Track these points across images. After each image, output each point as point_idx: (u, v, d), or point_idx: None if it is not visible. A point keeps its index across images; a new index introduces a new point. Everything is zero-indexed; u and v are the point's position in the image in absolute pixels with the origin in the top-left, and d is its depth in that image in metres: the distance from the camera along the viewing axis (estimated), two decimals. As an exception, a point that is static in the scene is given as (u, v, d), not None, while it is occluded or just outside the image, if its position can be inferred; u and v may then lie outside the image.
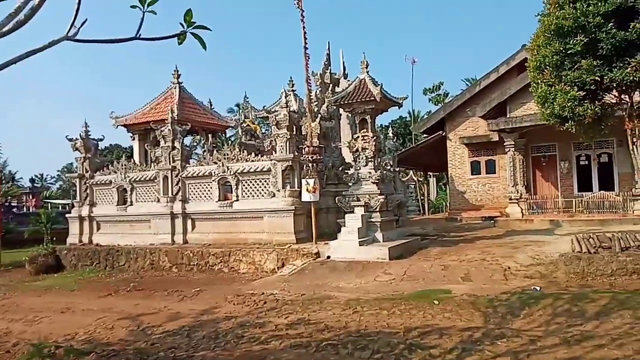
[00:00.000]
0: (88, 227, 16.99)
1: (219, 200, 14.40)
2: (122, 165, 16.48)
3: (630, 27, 7.59)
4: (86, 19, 2.99)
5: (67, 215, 18.19)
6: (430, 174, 33.22)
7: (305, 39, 12.88)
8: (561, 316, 6.32)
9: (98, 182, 17.04)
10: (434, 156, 24.05)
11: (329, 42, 18.09)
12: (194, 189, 15.05)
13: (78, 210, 17.26)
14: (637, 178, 9.83)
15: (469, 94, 21.38)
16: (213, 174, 14.46)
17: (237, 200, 14.13)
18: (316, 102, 15.69)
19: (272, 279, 10.90)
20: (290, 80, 17.34)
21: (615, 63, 8.04)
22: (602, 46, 7.93)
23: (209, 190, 14.72)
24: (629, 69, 7.78)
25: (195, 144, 17.71)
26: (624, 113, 8.95)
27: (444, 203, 29.48)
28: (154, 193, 15.66)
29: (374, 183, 12.49)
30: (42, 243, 17.21)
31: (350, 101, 12.82)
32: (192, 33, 2.95)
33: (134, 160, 17.75)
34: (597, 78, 8.19)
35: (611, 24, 7.72)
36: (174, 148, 15.12)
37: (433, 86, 42.28)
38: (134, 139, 18.92)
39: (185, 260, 13.42)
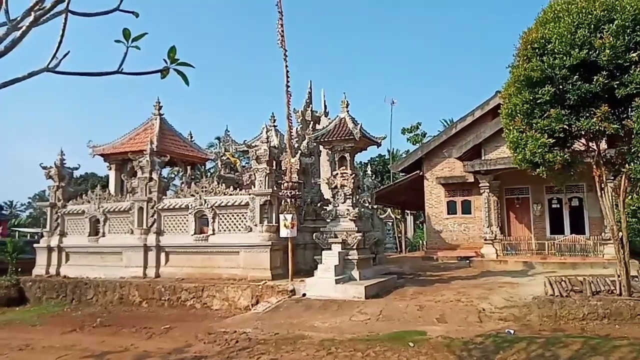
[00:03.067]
0: (56, 258, 16.42)
1: (195, 233, 14.17)
2: (96, 195, 16.16)
3: (594, 80, 8.01)
4: (68, 51, 3.02)
5: (35, 245, 17.55)
6: (408, 212, 33.52)
7: (288, 77, 13.17)
8: (534, 360, 6.33)
9: (70, 212, 16.61)
10: (411, 195, 24.37)
11: (310, 81, 18.48)
12: (170, 221, 14.81)
13: (47, 240, 16.70)
14: (606, 223, 10.13)
15: (446, 135, 21.98)
16: (190, 207, 14.29)
17: (214, 234, 13.94)
18: (297, 139, 15.87)
19: (246, 316, 10.64)
20: (272, 116, 17.56)
21: (582, 113, 8.41)
22: (569, 97, 8.32)
23: (184, 223, 14.49)
24: (595, 119, 8.15)
25: (173, 175, 17.54)
26: (592, 160, 9.29)
27: (420, 241, 29.64)
28: (127, 224, 15.32)
29: (351, 220, 12.54)
30: (5, 274, 16.46)
31: (330, 139, 13.03)
32: (175, 69, 3.01)
33: (109, 190, 17.45)
34: (565, 126, 8.54)
35: (576, 76, 8.13)
36: (151, 179, 14.95)
37: (411, 126, 43.27)
38: (110, 169, 18.64)
39: (157, 295, 13.01)
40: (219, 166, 18.95)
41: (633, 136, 8.27)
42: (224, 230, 13.92)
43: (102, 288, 13.98)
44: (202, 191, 14.34)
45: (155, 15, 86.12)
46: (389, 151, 44.05)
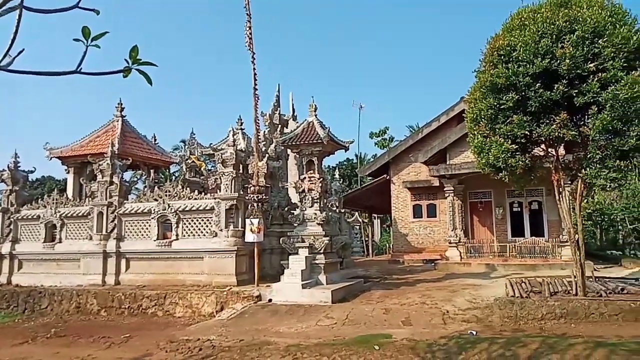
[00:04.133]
0: (8, 266, 15.58)
1: (158, 239, 13.76)
2: (53, 200, 15.46)
3: (555, 88, 8.29)
4: (23, 49, 2.83)
5: (-16, 252, 16.56)
6: (375, 215, 33.82)
7: (255, 79, 13.01)
8: (496, 361, 6.43)
9: (24, 217, 15.80)
10: (378, 199, 24.58)
11: (279, 84, 18.40)
12: (131, 226, 14.32)
13: (-2, 246, 15.83)
14: (564, 226, 10.52)
15: (412, 140, 22.33)
16: (153, 212, 13.87)
17: (177, 239, 13.58)
18: (264, 142, 15.71)
19: (210, 323, 10.38)
20: (239, 119, 17.32)
21: (543, 120, 8.70)
22: (531, 104, 8.58)
23: (147, 229, 14.05)
24: (554, 125, 8.43)
25: (135, 179, 17.01)
26: (551, 165, 9.61)
27: (387, 244, 29.92)
28: (86, 230, 14.72)
29: (319, 224, 12.48)
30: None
31: (298, 142, 12.95)
32: (137, 69, 2.87)
33: (66, 195, 16.70)
34: (527, 132, 8.80)
35: (538, 84, 8.40)
36: (112, 183, 14.43)
37: (379, 130, 43.83)
38: (68, 172, 17.89)
39: (116, 303, 12.52)
40: (184, 170, 18.53)
41: (589, 143, 8.61)
42: (188, 236, 13.58)
43: (58, 297, 13.33)
44: (166, 195, 13.95)
45: (119, 15, 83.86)
46: (356, 155, 44.42)
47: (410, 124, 42.50)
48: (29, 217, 15.71)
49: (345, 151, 14.59)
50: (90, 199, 15.02)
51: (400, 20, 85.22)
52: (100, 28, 2.66)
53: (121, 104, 17.59)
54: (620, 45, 7.96)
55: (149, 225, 13.99)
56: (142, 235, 14.13)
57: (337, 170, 26.58)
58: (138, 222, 14.25)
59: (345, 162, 44.63)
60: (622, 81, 7.80)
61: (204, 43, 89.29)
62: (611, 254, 23.50)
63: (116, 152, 14.92)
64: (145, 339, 9.23)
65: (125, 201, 14.59)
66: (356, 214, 29.41)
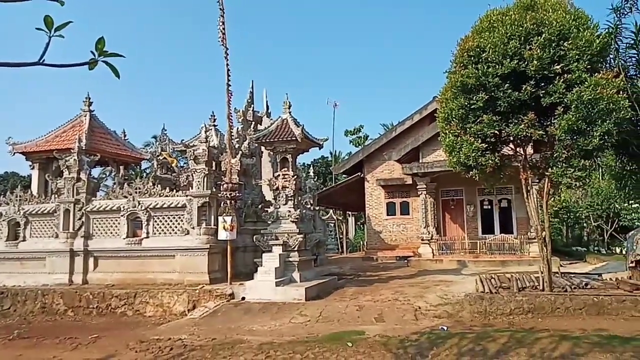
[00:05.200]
0: (-33, 266, 14.92)
1: (127, 237, 13.45)
2: (16, 197, 14.89)
3: (523, 89, 8.50)
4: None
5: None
6: (350, 213, 34.02)
7: (229, 75, 12.86)
8: (465, 355, 6.56)
9: (-15, 214, 15.17)
10: (352, 196, 24.73)
11: (252, 81, 18.22)
12: (100, 224, 13.95)
13: (-43, 246, 15.14)
14: (531, 223, 10.84)
15: (386, 138, 22.53)
16: (122, 209, 13.54)
17: (148, 237, 13.30)
18: (237, 139, 15.55)
19: (181, 322, 10.22)
20: (212, 115, 17.08)
21: (511, 119, 8.91)
22: (500, 104, 8.77)
23: (116, 226, 13.71)
24: (522, 125, 8.65)
25: (104, 176, 16.56)
26: (520, 164, 9.85)
27: (361, 242, 30.17)
28: (52, 228, 14.26)
29: (293, 222, 12.45)
30: None
31: (272, 140, 12.87)
32: (104, 61, 2.77)
33: (31, 191, 16.13)
34: (496, 132, 9.00)
35: (507, 84, 8.60)
36: (79, 179, 14.02)
37: (354, 128, 44.12)
38: (33, 168, 17.28)
39: (84, 302, 12.19)
40: (156, 166, 18.16)
41: (555, 142, 8.86)
42: (159, 233, 13.32)
43: (22, 297, 12.87)
44: (136, 192, 13.64)
45: (91, 8, 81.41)
46: (331, 153, 44.53)
47: (384, 123, 42.93)
48: (-9, 214, 15.09)
49: (320, 149, 14.59)
50: (56, 196, 14.55)
51: (374, 20, 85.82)
52: (74, 24, 2.56)
53: (89, 99, 17.09)
54: (584, 48, 8.22)
55: (119, 223, 13.66)
56: (111, 233, 13.79)
57: (311, 167, 26.62)
58: (107, 220, 13.89)
59: (320, 160, 44.65)
60: (586, 83, 8.06)
61: (177, 38, 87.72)
62: (576, 250, 24.36)
63: (84, 148, 14.50)
64: (114, 339, 9.01)
65: (93, 198, 14.20)
66: (331, 211, 29.54)
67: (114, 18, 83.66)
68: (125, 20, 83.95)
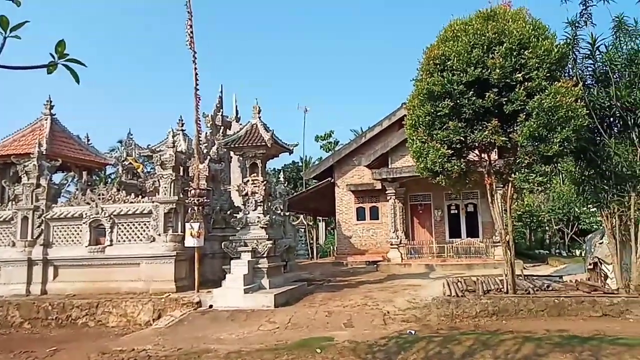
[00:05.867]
0: None
1: (90, 244, 13.00)
2: (-31, 203, 14.16)
3: (486, 96, 8.73)
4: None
5: None
6: (320, 218, 34.02)
7: (197, 79, 12.67)
8: (432, 359, 6.64)
9: None
10: (323, 201, 24.75)
11: (221, 85, 18.02)
12: (61, 232, 13.43)
13: None
14: (496, 227, 11.13)
15: (356, 144, 22.70)
16: (84, 216, 13.09)
17: (111, 245, 12.90)
18: (206, 144, 15.32)
19: (146, 332, 9.92)
20: (180, 120, 16.76)
21: (476, 126, 9.14)
22: (465, 111, 8.99)
23: (78, 234, 13.23)
24: (486, 131, 8.88)
25: (66, 181, 15.96)
26: (484, 170, 10.10)
27: (332, 247, 30.20)
28: (8, 236, 13.63)
29: (262, 228, 12.33)
30: None
31: (241, 145, 12.73)
32: (64, 65, 2.66)
33: (-14, 198, 15.39)
34: (462, 138, 9.20)
35: (472, 92, 8.82)
36: (38, 185, 13.47)
37: (324, 134, 44.26)
38: (-12, 174, 16.48)
39: (42, 314, 11.67)
40: (121, 172, 17.67)
41: (518, 149, 9.14)
42: (124, 241, 12.94)
43: (-26, 309, 12.20)
44: (99, 199, 13.22)
45: (52, 11, 78.70)
46: (302, 158, 44.50)
47: (354, 128, 43.22)
48: (-59, 223, 14.28)
49: (290, 154, 14.53)
50: (13, 202, 13.93)
51: (344, 26, 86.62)
52: (36, 27, 2.45)
53: (50, 102, 16.46)
54: (543, 57, 8.53)
55: (80, 231, 13.19)
56: (73, 241, 13.30)
57: (282, 173, 26.47)
58: (68, 228, 13.39)
59: (290, 165, 44.56)
60: (547, 91, 8.36)
61: (144, 41, 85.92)
62: (539, 253, 25.17)
63: (44, 153, 13.96)
64: (74, 351, 8.66)
65: (54, 205, 13.67)
66: (301, 216, 29.43)
67: (77, 21, 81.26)
68: (91, 22, 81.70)
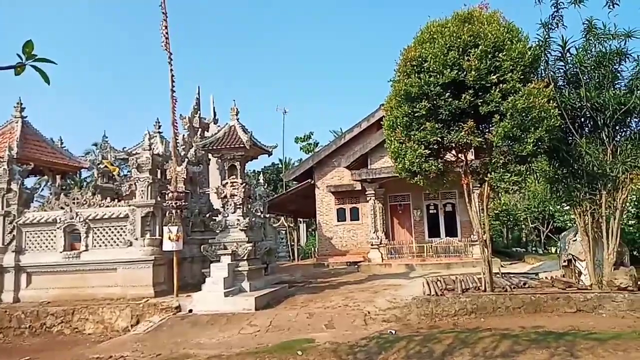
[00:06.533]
0: None
1: (65, 250, 12.69)
2: (-64, 210, 13.63)
3: (462, 97, 8.87)
4: None
5: None
6: (301, 220, 33.99)
7: (173, 81, 12.51)
8: (413, 358, 6.70)
9: None
10: (303, 203, 24.74)
11: (199, 87, 17.87)
12: (34, 237, 13.07)
13: None
14: (474, 226, 11.31)
15: (335, 145, 22.75)
16: (59, 221, 12.77)
17: (87, 250, 12.63)
18: (183, 146, 15.15)
19: (124, 338, 9.73)
20: (157, 122, 16.52)
21: (453, 127, 9.27)
22: (441, 112, 9.11)
23: (52, 240, 12.91)
24: (463, 132, 9.02)
25: (39, 186, 15.54)
26: (461, 170, 10.25)
27: (313, 248, 30.21)
28: (-22, 243, 13.17)
29: (242, 230, 12.24)
30: None
31: (219, 147, 12.61)
32: (32, 66, 2.58)
33: (-46, 204, 14.83)
34: (439, 139, 9.32)
35: (448, 93, 8.95)
36: (9, 190, 13.09)
37: (304, 135, 44.29)
38: (-44, 179, 15.90)
39: (15, 322, 11.34)
40: (96, 175, 17.28)
41: (493, 149, 9.30)
42: (100, 246, 12.67)
43: (-58, 320, 11.77)
44: (74, 203, 12.92)
45: (22, 12, 76.67)
46: (281, 160, 44.42)
47: (334, 129, 43.37)
48: None
49: (269, 156, 14.46)
50: (-17, 208, 13.49)
51: (323, 27, 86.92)
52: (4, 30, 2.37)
53: (21, 104, 16.00)
54: (517, 59, 8.71)
55: (55, 236, 12.86)
56: (47, 246, 12.96)
57: (261, 175, 26.34)
58: (41, 233, 13.05)
59: (270, 167, 44.40)
60: (520, 92, 8.53)
61: (119, 41, 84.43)
62: (516, 251, 25.68)
63: (15, 157, 13.57)
64: (49, 360, 8.45)
65: (26, 210, 13.30)
66: (282, 218, 29.36)
67: (50, 22, 79.35)
68: (64, 23, 79.89)
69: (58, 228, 12.78)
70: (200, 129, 16.71)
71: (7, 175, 13.14)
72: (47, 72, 2.61)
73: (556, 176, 10.38)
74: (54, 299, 12.18)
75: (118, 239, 12.62)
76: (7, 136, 15.21)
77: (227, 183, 12.71)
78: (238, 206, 12.50)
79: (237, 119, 12.86)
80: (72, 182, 27.58)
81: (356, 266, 18.62)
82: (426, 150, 9.36)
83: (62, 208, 12.97)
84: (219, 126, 15.91)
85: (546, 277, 11.36)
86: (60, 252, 12.67)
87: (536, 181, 25.10)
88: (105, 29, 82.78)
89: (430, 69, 9.03)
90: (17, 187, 13.19)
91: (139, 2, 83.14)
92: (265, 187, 20.24)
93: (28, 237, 13.11)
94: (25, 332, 11.19)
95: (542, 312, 9.08)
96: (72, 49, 76.29)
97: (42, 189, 19.61)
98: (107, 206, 12.88)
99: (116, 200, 13.65)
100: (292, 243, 31.64)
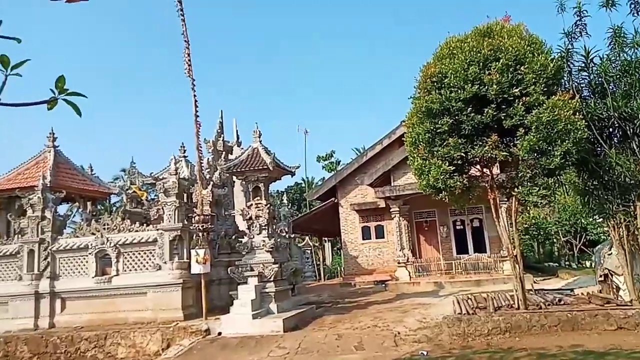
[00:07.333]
0: None
1: (96, 275, 12.97)
2: (-24, 239, 14.21)
3: (485, 112, 8.80)
4: None
5: None
6: (326, 239, 33.86)
7: (196, 106, 12.80)
8: (446, 381, 6.52)
9: (-58, 259, 14.37)
10: (328, 222, 24.68)
11: (222, 111, 18.22)
12: (67, 263, 13.43)
13: None
14: (503, 241, 11.04)
15: (357, 163, 22.75)
16: (90, 247, 13.10)
17: (118, 274, 12.87)
18: (208, 169, 15.41)
19: (155, 363, 9.83)
20: (182, 146, 16.91)
21: (476, 141, 9.18)
22: (464, 127, 9.05)
23: (84, 265, 13.22)
24: (487, 147, 8.92)
25: (70, 213, 16.03)
26: (487, 185, 10.09)
27: (339, 268, 29.96)
28: (15, 270, 13.64)
29: (268, 251, 12.29)
30: None
31: (243, 169, 12.81)
32: (64, 100, 2.72)
33: (-8, 233, 15.44)
34: (462, 154, 9.23)
35: (470, 108, 8.90)
36: (43, 218, 13.53)
37: (325, 154, 44.52)
38: (-6, 208, 16.58)
39: (51, 348, 11.58)
40: (125, 200, 17.71)
41: (519, 162, 9.15)
42: (130, 270, 12.91)
43: (-18, 346, 12.12)
44: (104, 228, 13.25)
45: (49, 43, 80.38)
46: (304, 180, 44.62)
47: (356, 147, 43.44)
48: (-52, 259, 14.31)
49: (292, 176, 14.58)
50: (19, 236, 13.98)
51: (342, 45, 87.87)
52: (26, 55, 2.52)
53: (53, 134, 16.68)
54: (539, 72, 8.61)
55: (87, 262, 13.18)
56: (79, 272, 13.28)
57: (285, 195, 26.54)
58: (74, 259, 13.39)
59: (293, 187, 44.64)
60: (544, 105, 8.42)
61: (143, 71, 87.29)
62: (548, 266, 24.89)
63: (48, 185, 14.06)
64: (83, 386, 8.57)
65: (59, 237, 13.71)
66: (307, 238, 29.32)
67: (78, 50, 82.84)
68: (91, 52, 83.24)
69: (90, 253, 13.10)
70: (224, 152, 16.99)
71: (42, 203, 13.61)
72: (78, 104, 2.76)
73: (586, 188, 10.11)
74: (87, 324, 12.41)
75: (147, 263, 12.84)
76: (41, 165, 15.82)
77: (251, 205, 12.83)
78: (263, 227, 12.58)
79: (260, 141, 13.06)
80: (102, 208, 28.34)
81: (384, 285, 18.36)
82: (450, 166, 9.27)
83: (93, 234, 13.31)
84: (242, 149, 16.15)
85: (582, 293, 10.97)
86: (93, 277, 12.96)
87: (566, 193, 24.51)
88: (129, 54, 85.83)
89: (451, 84, 9.02)
90: (50, 215, 13.63)
91: (159, 28, 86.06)
92: (289, 207, 20.32)
93: (61, 263, 13.47)
94: (61, 357, 11.41)
95: (580, 330, 8.74)
96: (97, 77, 79.26)
97: (74, 216, 20.17)
98: (136, 231, 13.16)
99: (145, 224, 13.93)
100: (318, 262, 31.47)
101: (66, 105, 2.75)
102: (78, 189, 16.50)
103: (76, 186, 16.38)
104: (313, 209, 28.00)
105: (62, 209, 16.08)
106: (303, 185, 44.51)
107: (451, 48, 9.38)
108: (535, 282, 14.79)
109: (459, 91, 8.88)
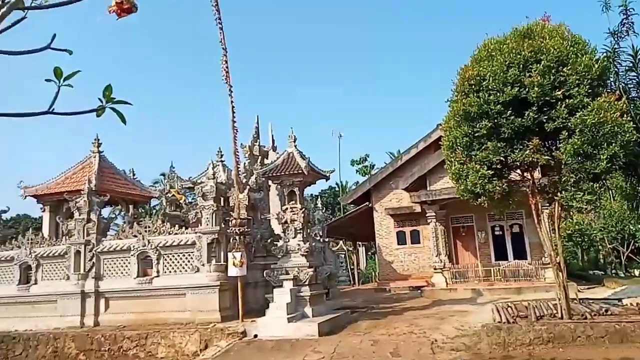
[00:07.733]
0: (-22, 312, 14.89)
1: (138, 276, 13.42)
2: (27, 240, 15.00)
3: (525, 115, 8.56)
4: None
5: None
6: (360, 243, 33.70)
7: (234, 112, 13.05)
8: (486, 391, 6.36)
9: (-3, 259, 15.26)
10: (362, 226, 24.57)
11: (257, 116, 18.54)
12: (110, 264, 13.96)
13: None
14: (545, 248, 10.66)
15: (392, 167, 22.55)
16: (132, 248, 13.57)
17: (158, 276, 13.26)
18: (245, 174, 15.68)
19: (194, 363, 10.05)
20: (219, 151, 17.29)
21: (516, 145, 8.94)
22: (503, 130, 8.83)
23: (126, 266, 13.71)
24: (528, 151, 8.67)
25: (114, 215, 16.71)
26: (528, 189, 9.80)
27: (373, 272, 29.71)
28: (63, 270, 14.29)
29: (303, 255, 12.36)
30: None
31: (278, 174, 12.96)
32: (111, 108, 2.87)
33: (42, 234, 16.28)
34: (502, 158, 9.01)
35: (510, 111, 8.68)
36: (89, 220, 14.13)
37: (360, 158, 44.35)
38: (44, 211, 17.50)
39: (96, 345, 12.05)
40: (164, 204, 18.29)
41: (562, 167, 8.84)
42: (170, 272, 13.28)
43: (33, 342, 12.76)
44: (145, 231, 13.70)
45: (93, 49, 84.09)
46: (337, 184, 44.63)
47: (390, 150, 43.08)
48: (2, 258, 15.18)
49: (326, 180, 14.65)
50: (67, 237, 14.66)
51: (376, 48, 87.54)
52: (73, 64, 2.66)
53: (98, 140, 17.45)
54: (583, 73, 8.31)
55: (129, 263, 13.66)
56: (122, 273, 13.78)
57: (319, 199, 26.56)
58: (117, 260, 13.91)
59: (327, 191, 44.73)
60: (589, 107, 8.11)
61: (182, 77, 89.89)
62: (594, 274, 23.82)
63: (93, 189, 14.69)
64: (125, 383, 8.87)
65: (103, 239, 14.28)
66: (341, 242, 29.30)
67: (121, 58, 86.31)
68: (133, 59, 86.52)
69: (132, 255, 13.58)
70: (260, 157, 17.26)
71: (87, 207, 14.22)
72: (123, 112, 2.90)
73: (635, 193, 9.66)
74: (129, 323, 12.84)
75: (186, 265, 13.18)
76: (87, 170, 16.57)
77: (287, 209, 12.96)
78: (298, 231, 12.68)
79: (295, 146, 13.19)
80: (143, 211, 29.30)
81: (419, 291, 18.10)
82: (489, 171, 9.07)
83: (135, 236, 13.78)
84: (277, 153, 16.35)
85: (631, 304, 10.45)
86: (134, 278, 13.41)
87: (612, 198, 23.48)
88: (170, 62, 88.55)
89: (490, 87, 8.84)
90: (95, 217, 14.22)
91: (198, 37, 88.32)
92: (323, 211, 20.36)
93: (105, 264, 14.02)
94: (105, 354, 11.85)
95: (629, 342, 8.32)
96: (138, 84, 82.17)
97: (117, 218, 20.98)
98: (176, 233, 13.53)
99: (183, 227, 14.31)
100: (352, 267, 31.35)
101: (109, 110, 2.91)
102: (121, 193, 17.18)
103: (119, 190, 17.06)
104: (347, 213, 27.96)
105: (106, 211, 16.80)
106: (337, 189, 44.54)
107: (489, 50, 9.20)
108: (579, 291, 14.19)
109: (498, 94, 8.69)
